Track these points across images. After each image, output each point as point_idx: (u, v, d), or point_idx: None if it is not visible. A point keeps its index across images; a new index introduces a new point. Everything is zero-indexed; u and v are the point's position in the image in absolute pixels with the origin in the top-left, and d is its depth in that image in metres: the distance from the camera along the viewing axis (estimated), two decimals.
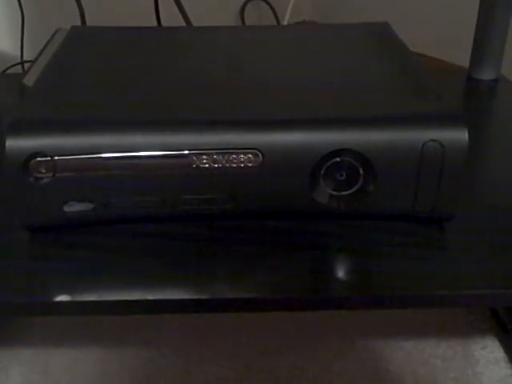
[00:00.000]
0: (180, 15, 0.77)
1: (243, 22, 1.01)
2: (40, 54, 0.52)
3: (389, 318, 0.57)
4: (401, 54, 0.49)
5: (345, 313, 0.56)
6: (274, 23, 1.02)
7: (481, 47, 0.63)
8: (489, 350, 0.55)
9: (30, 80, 0.46)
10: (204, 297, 0.36)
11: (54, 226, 0.39)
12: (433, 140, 0.37)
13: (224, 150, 0.37)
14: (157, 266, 0.38)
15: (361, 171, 0.38)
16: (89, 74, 0.45)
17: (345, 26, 0.55)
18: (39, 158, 0.37)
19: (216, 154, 0.37)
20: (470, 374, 0.52)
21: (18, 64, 0.83)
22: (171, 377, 0.52)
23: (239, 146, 0.37)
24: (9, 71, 0.82)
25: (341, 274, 0.38)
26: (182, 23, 0.76)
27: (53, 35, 0.55)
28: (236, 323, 0.56)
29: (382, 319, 0.57)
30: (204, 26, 0.57)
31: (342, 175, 0.38)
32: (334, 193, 0.39)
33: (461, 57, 0.68)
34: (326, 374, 0.52)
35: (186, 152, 0.37)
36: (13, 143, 0.36)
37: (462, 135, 0.37)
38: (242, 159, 0.37)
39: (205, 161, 0.37)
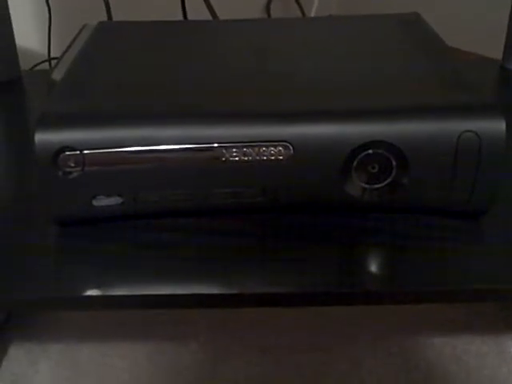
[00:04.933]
0: (206, 10, 0.76)
1: (269, 16, 1.00)
2: (67, 49, 0.52)
3: (421, 313, 0.56)
4: (434, 45, 0.47)
5: (375, 309, 0.55)
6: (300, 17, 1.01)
7: None
8: None
9: (57, 75, 0.46)
10: (232, 292, 0.36)
11: (83, 221, 0.39)
12: (469, 131, 0.36)
13: (254, 142, 0.37)
14: (186, 261, 0.37)
15: (394, 163, 0.37)
16: (116, 68, 0.45)
17: (376, 16, 0.54)
18: (68, 152, 0.36)
19: (246, 146, 0.37)
20: (505, 371, 0.51)
21: (45, 61, 0.83)
22: (199, 373, 0.51)
23: (269, 138, 0.37)
24: (37, 68, 0.82)
25: (373, 268, 0.37)
26: (208, 18, 0.75)
27: (80, 31, 0.54)
28: (265, 320, 0.56)
29: (414, 315, 0.56)
30: (231, 19, 0.56)
31: (374, 168, 0.37)
32: (367, 186, 0.38)
33: (494, 50, 0.66)
34: (355, 371, 0.51)
35: (216, 145, 0.37)
36: (42, 137, 0.36)
37: (499, 125, 0.36)
38: (272, 152, 0.37)
39: (234, 154, 0.37)
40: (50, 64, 0.82)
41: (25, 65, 0.67)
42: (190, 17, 0.78)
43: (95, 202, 0.38)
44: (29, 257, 0.38)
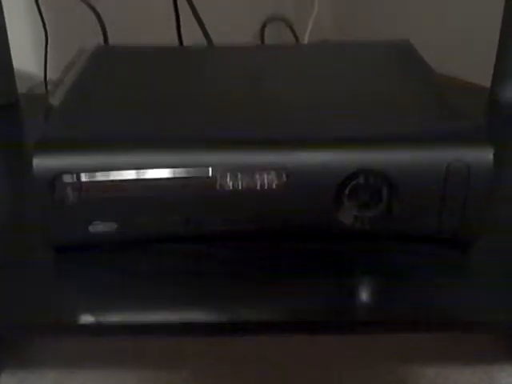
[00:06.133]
0: (201, 33, 0.77)
1: (263, 40, 1.02)
2: (65, 73, 0.52)
3: (412, 343, 0.56)
4: (424, 73, 0.49)
5: (367, 338, 0.55)
6: (294, 42, 1.02)
7: (502, 66, 0.63)
8: None
9: (55, 99, 0.46)
10: (223, 319, 0.36)
11: (78, 246, 0.40)
12: (458, 160, 0.37)
13: (248, 169, 0.37)
14: (180, 287, 0.38)
15: (384, 192, 0.38)
16: (113, 94, 0.45)
17: (367, 43, 0.55)
18: (65, 177, 0.37)
19: (240, 173, 0.37)
20: None
21: (41, 84, 0.84)
22: None
23: (263, 165, 0.37)
24: (32, 90, 0.83)
25: (364, 297, 0.38)
26: (203, 41, 0.76)
27: (77, 54, 0.55)
28: (256, 348, 0.56)
29: (406, 345, 0.56)
30: (226, 45, 0.57)
31: (365, 196, 0.38)
32: (358, 214, 0.39)
33: (482, 77, 0.67)
34: None
35: (210, 172, 0.37)
36: (40, 162, 0.37)
37: (487, 155, 0.37)
38: (265, 179, 0.37)
39: (228, 181, 0.38)
40: (45, 87, 0.83)
41: (20, 87, 0.68)
42: (184, 38, 0.79)
43: (91, 228, 0.39)
44: (22, 282, 0.39)
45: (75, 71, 0.51)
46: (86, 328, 0.36)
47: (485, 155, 0.37)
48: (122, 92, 0.46)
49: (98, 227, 0.38)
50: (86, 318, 0.36)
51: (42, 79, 0.82)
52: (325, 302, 0.37)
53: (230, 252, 0.40)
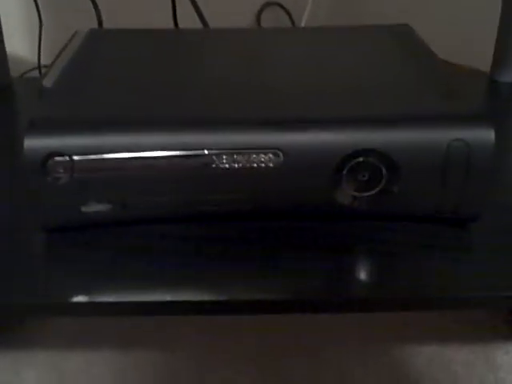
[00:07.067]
0: (197, 18, 0.76)
1: (259, 25, 1.01)
2: (58, 55, 0.51)
3: (409, 322, 0.56)
4: (423, 55, 0.48)
5: (364, 316, 0.55)
6: (291, 26, 1.01)
7: (503, 49, 0.63)
8: None
9: (48, 82, 0.45)
10: (220, 298, 0.36)
11: (71, 227, 0.39)
12: (458, 139, 0.36)
13: (244, 149, 0.37)
14: (174, 267, 0.38)
15: (384, 171, 0.37)
16: (106, 76, 0.45)
17: (366, 27, 0.55)
18: (57, 158, 0.36)
19: (236, 153, 0.37)
20: (492, 379, 0.51)
21: (35, 69, 0.83)
22: (185, 380, 0.51)
23: (260, 145, 0.37)
24: (27, 76, 0.82)
25: (362, 275, 0.37)
26: (199, 25, 0.76)
27: (71, 37, 0.54)
28: (252, 327, 0.56)
29: (403, 323, 0.56)
30: (222, 28, 0.57)
31: (364, 176, 0.37)
32: (357, 194, 0.38)
33: (483, 62, 0.67)
34: (343, 380, 0.51)
35: (206, 152, 0.37)
36: (31, 143, 0.36)
37: (487, 134, 0.36)
38: (262, 159, 0.37)
39: (225, 161, 0.37)
40: (39, 71, 0.82)
41: (14, 72, 0.67)
42: (180, 24, 0.78)
43: (84, 208, 0.38)
44: (15, 263, 0.38)
45: (69, 53, 0.50)
46: (79, 307, 0.36)
47: (485, 134, 0.37)
48: (116, 74, 0.45)
49: (92, 207, 0.38)
50: (79, 297, 0.35)
51: (36, 64, 0.81)
52: (322, 281, 0.37)
53: (227, 231, 0.40)
